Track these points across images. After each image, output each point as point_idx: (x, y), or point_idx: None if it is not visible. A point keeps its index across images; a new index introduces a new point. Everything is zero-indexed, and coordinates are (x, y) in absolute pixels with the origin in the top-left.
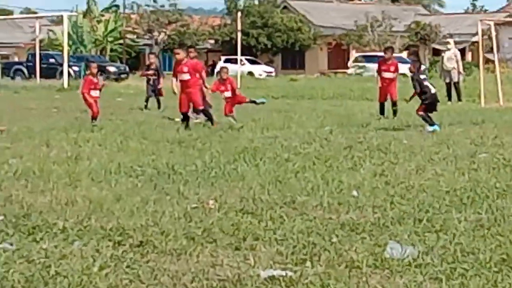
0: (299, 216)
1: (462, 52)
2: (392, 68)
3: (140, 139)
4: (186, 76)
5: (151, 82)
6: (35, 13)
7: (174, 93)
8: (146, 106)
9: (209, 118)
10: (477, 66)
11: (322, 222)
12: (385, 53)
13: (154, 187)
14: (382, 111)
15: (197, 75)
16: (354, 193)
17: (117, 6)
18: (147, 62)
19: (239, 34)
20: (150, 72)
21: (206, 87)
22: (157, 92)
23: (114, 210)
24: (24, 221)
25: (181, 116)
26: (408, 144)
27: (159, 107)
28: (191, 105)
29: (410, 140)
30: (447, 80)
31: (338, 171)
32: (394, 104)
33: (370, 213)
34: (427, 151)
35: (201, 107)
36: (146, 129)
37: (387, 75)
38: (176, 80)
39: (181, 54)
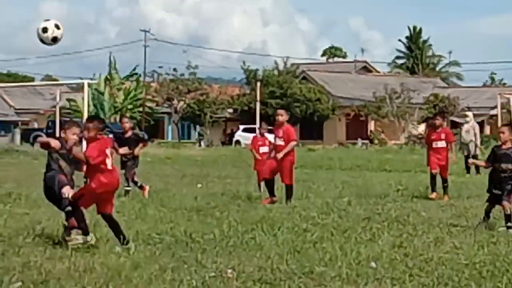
0: (317, 286)
1: (481, 125)
2: (442, 136)
3: (158, 206)
4: (279, 141)
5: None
6: (56, 80)
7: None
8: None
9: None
10: (496, 139)
11: None
12: (435, 119)
13: (172, 255)
14: (433, 185)
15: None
16: (373, 264)
17: (137, 74)
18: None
19: (258, 104)
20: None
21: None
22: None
23: (132, 278)
24: (42, 287)
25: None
26: (426, 216)
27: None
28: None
29: (428, 212)
30: (465, 153)
31: (356, 242)
32: (444, 181)
33: (388, 285)
34: (445, 223)
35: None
36: (164, 196)
37: (438, 144)
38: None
39: (284, 116)
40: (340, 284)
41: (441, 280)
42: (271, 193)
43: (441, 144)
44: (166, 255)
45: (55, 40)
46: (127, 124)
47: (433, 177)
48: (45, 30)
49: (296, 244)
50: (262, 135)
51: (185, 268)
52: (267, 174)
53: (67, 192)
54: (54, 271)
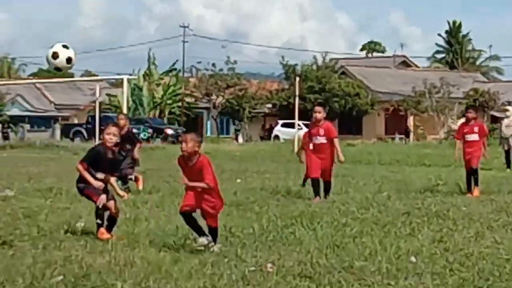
0: (357, 281)
1: None
2: (476, 129)
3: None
4: (322, 140)
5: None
6: (95, 75)
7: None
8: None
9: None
10: None
11: None
12: (468, 112)
13: (212, 250)
14: (468, 182)
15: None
16: (413, 259)
17: (177, 69)
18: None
19: (297, 99)
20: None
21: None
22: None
23: (172, 272)
24: (83, 281)
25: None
26: (466, 211)
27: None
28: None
29: (468, 207)
30: (506, 148)
31: (396, 236)
32: (474, 171)
33: (429, 280)
34: (486, 218)
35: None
36: None
37: (470, 137)
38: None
39: (322, 113)
40: (380, 278)
41: (482, 275)
42: (318, 193)
43: (474, 137)
44: (206, 250)
45: (69, 60)
46: (122, 121)
47: (468, 173)
48: (55, 55)
49: (335, 239)
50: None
51: (225, 262)
52: (317, 173)
53: (101, 201)
54: (95, 265)
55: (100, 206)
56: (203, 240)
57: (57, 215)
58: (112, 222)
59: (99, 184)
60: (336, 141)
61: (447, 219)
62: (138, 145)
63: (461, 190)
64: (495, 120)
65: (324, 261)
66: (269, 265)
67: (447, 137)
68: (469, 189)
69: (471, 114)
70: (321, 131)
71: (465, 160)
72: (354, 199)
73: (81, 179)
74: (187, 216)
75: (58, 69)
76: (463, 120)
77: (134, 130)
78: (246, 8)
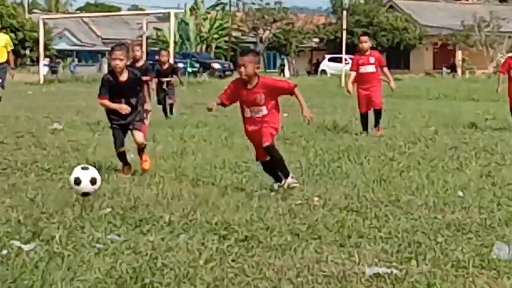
0: (404, 215)
1: None
2: None
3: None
4: (371, 69)
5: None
6: (142, 10)
7: (348, 91)
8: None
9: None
10: None
11: (427, 221)
12: None
13: (259, 183)
14: None
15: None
16: (460, 193)
17: (223, 3)
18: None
19: (344, 33)
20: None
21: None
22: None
23: (219, 205)
24: (131, 213)
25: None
26: None
27: (170, 112)
28: None
29: None
30: None
31: (443, 171)
32: None
33: (476, 214)
34: None
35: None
36: None
37: None
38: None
39: (368, 42)
40: (427, 212)
41: None
42: (366, 127)
43: None
44: (253, 183)
45: (94, 181)
46: (164, 57)
47: None
48: (77, 181)
49: (382, 173)
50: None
51: (272, 195)
52: (365, 107)
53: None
54: (143, 197)
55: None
56: (291, 180)
57: (105, 149)
58: (140, 152)
59: (124, 107)
60: (386, 69)
61: (495, 153)
62: (148, 79)
63: (509, 125)
64: None
65: (370, 195)
66: (315, 198)
67: (496, 71)
68: None
69: None
70: (371, 59)
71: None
72: (401, 134)
73: (109, 111)
74: (265, 164)
75: (86, 194)
76: (511, 54)
77: (180, 65)
78: None
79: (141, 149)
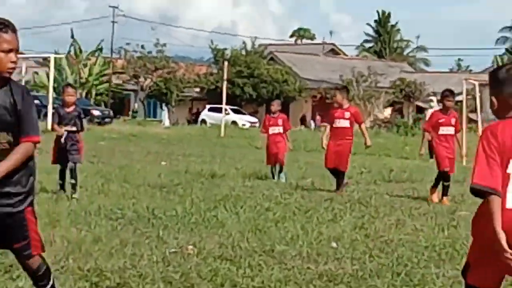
0: (277, 264)
1: None
2: (453, 121)
3: (121, 182)
4: (345, 123)
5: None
6: (22, 53)
7: (323, 147)
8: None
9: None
10: (460, 124)
11: (300, 271)
12: (445, 99)
13: (134, 230)
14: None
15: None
16: (333, 244)
17: (101, 49)
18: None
19: (225, 83)
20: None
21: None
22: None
23: (92, 252)
24: (1, 258)
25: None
26: (389, 198)
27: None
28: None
29: (391, 194)
30: (429, 138)
31: (318, 222)
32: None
33: (348, 265)
34: (407, 206)
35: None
36: (128, 173)
37: (446, 130)
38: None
39: (339, 97)
40: (300, 262)
41: (400, 261)
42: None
43: (450, 130)
44: (127, 230)
45: None
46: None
47: (446, 177)
48: None
49: (258, 223)
50: (273, 113)
51: (146, 243)
52: (332, 164)
53: None
54: None
55: None
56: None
57: None
58: None
59: None
60: (363, 126)
61: (369, 206)
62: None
63: (384, 178)
64: (420, 110)
65: (245, 244)
66: (190, 247)
67: (373, 126)
68: (444, 194)
69: (449, 102)
70: (347, 114)
71: (441, 161)
72: (278, 184)
73: None
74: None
75: None
76: (389, 109)
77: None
78: None
79: None
